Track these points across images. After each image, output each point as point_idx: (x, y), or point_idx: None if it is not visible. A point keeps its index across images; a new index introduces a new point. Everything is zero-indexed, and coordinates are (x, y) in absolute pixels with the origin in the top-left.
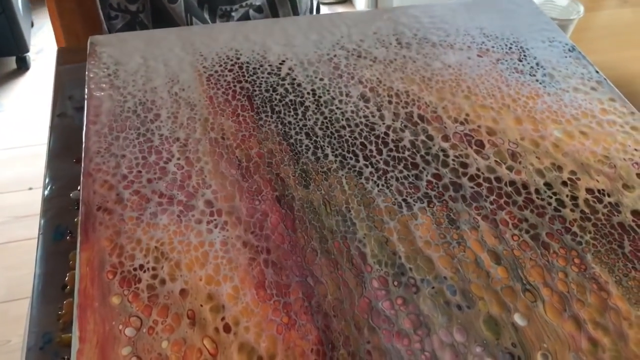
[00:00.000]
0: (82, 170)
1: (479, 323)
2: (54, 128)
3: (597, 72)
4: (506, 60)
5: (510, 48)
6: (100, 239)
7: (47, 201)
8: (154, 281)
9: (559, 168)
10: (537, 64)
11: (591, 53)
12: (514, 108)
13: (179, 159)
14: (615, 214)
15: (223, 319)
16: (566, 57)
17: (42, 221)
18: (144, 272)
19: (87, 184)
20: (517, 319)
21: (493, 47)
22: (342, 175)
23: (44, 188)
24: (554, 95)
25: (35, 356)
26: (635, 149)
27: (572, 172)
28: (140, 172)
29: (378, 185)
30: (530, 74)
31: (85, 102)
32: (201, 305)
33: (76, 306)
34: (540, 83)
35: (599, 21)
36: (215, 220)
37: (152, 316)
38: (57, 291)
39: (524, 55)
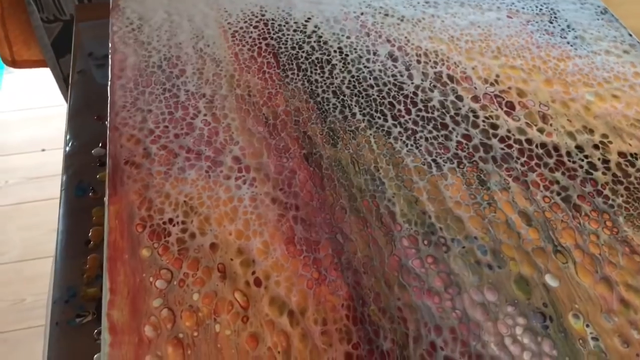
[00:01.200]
0: (108, 124)
1: (510, 283)
2: (74, 85)
3: (630, 35)
4: (536, 22)
5: (541, 9)
6: (129, 193)
7: (68, 158)
8: (183, 235)
9: (590, 131)
10: (568, 26)
11: (627, 17)
12: (544, 70)
13: (205, 115)
14: None
15: (254, 272)
16: (598, 19)
17: (64, 177)
18: (174, 225)
19: (113, 137)
20: (549, 279)
21: (523, 8)
22: (371, 134)
23: (65, 145)
24: (585, 57)
25: (61, 309)
26: None
27: (604, 135)
28: (167, 127)
29: (407, 145)
30: (561, 36)
31: (110, 56)
32: (231, 259)
33: (106, 258)
34: (571, 45)
35: None
36: (243, 176)
37: (183, 269)
38: (81, 247)
39: (555, 17)
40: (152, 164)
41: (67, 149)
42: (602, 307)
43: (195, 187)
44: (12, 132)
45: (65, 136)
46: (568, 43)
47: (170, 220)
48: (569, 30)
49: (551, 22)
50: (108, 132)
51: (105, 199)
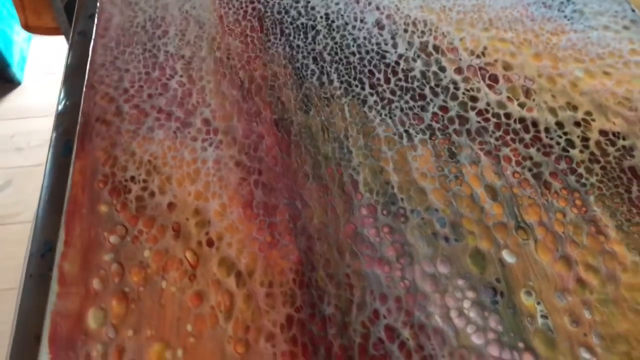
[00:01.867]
0: (85, 81)
1: (465, 257)
2: (73, 45)
3: (633, 10)
4: None
5: None
6: (96, 150)
7: (59, 116)
8: (143, 193)
9: (574, 108)
10: (568, 0)
11: None
12: (535, 43)
13: (181, 76)
14: (628, 157)
15: (207, 233)
16: None
17: (53, 135)
18: (135, 183)
19: (88, 95)
20: (506, 255)
21: None
22: (345, 102)
23: (58, 103)
24: (580, 32)
25: (37, 262)
26: None
27: (588, 113)
28: (142, 86)
29: (381, 115)
30: (558, 9)
31: (96, 15)
32: (187, 219)
33: (65, 212)
34: (567, 19)
35: None
36: (210, 138)
37: (138, 226)
38: (62, 203)
39: None
40: (122, 122)
41: (59, 107)
42: (557, 285)
43: (161, 147)
44: (37, 95)
45: (59, 95)
46: (565, 17)
47: (132, 178)
48: (568, 4)
49: None
50: (84, 89)
51: (72, 154)
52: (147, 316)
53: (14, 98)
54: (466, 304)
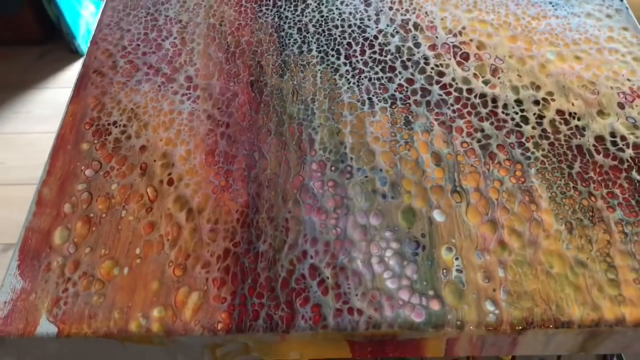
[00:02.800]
0: (90, 37)
1: (397, 212)
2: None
3: (620, 0)
4: None
5: None
6: (88, 97)
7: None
8: (121, 136)
9: (537, 87)
10: None
11: None
12: (514, 26)
13: (175, 38)
14: (578, 137)
15: (170, 174)
16: None
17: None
18: (116, 127)
19: (91, 50)
20: (436, 214)
21: None
22: (319, 70)
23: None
24: (562, 18)
25: None
26: (628, 79)
27: (549, 93)
28: (138, 45)
29: (349, 83)
30: None
31: None
32: (154, 161)
33: (52, 147)
34: (552, 5)
35: None
36: (189, 93)
37: (111, 163)
38: None
39: None
40: (115, 75)
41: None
42: (479, 245)
43: (145, 98)
44: None
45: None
46: (550, 3)
47: (115, 123)
48: None
49: None
50: (88, 44)
51: (67, 99)
52: (104, 238)
53: (77, 68)
54: (388, 253)
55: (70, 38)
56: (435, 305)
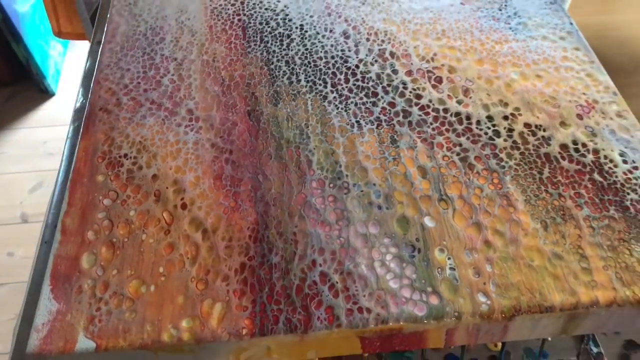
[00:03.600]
0: (93, 79)
1: (392, 221)
2: (91, 52)
3: (571, 23)
4: (486, 9)
5: None
6: (97, 132)
7: (76, 112)
8: (133, 167)
9: (505, 104)
10: (515, 13)
11: (603, 13)
12: (480, 51)
13: (173, 75)
14: (545, 145)
15: (182, 199)
16: (545, 8)
17: (70, 128)
18: (127, 159)
19: (95, 89)
20: (427, 220)
21: None
22: (309, 97)
23: (75, 102)
24: (522, 41)
25: (50, 232)
26: (584, 93)
27: (516, 109)
28: (139, 83)
29: (338, 108)
30: (505, 22)
31: (106, 25)
32: (167, 188)
33: (70, 180)
34: (512, 30)
35: None
36: (192, 125)
37: (127, 192)
38: None
39: (505, 5)
40: (121, 111)
41: (76, 105)
42: (467, 245)
43: (151, 131)
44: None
45: (77, 94)
46: (510, 28)
47: (125, 155)
48: (515, 17)
49: (500, 10)
50: (92, 84)
51: (79, 135)
52: (128, 260)
53: (48, 107)
54: (388, 257)
55: (40, 78)
56: (434, 300)
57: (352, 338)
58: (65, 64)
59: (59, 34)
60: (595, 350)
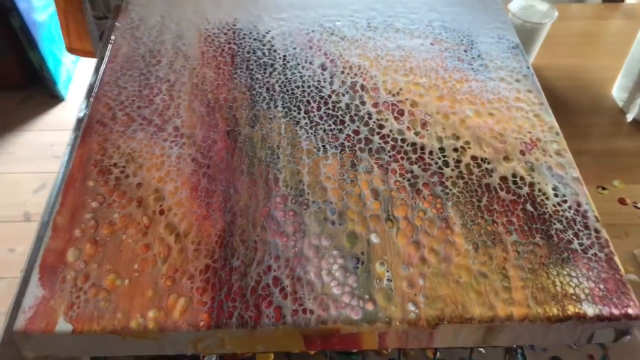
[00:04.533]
0: (93, 94)
1: (343, 236)
2: (96, 68)
3: (528, 67)
4: (453, 50)
5: (462, 40)
6: (92, 143)
7: (78, 122)
8: (121, 175)
9: (457, 138)
10: (479, 56)
11: (574, 56)
12: (441, 88)
13: (164, 95)
14: (487, 177)
15: (161, 205)
16: (507, 52)
17: (72, 136)
18: (116, 168)
19: (94, 104)
20: (373, 237)
21: (447, 38)
22: (283, 122)
23: (78, 112)
24: (481, 82)
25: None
26: (529, 132)
27: (466, 142)
28: (134, 100)
29: (307, 133)
30: (468, 63)
31: (109, 45)
32: (148, 195)
33: (63, 184)
34: (473, 71)
35: (603, 29)
36: (177, 140)
37: (113, 197)
38: None
39: (471, 47)
40: (115, 125)
41: (79, 115)
42: (405, 260)
43: (140, 144)
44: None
45: (80, 105)
46: (472, 69)
47: (115, 164)
48: (478, 59)
49: (466, 51)
50: (92, 100)
51: (76, 145)
52: (108, 257)
53: (57, 112)
54: (335, 267)
55: (51, 84)
56: (369, 306)
57: (296, 335)
58: (77, 71)
59: (70, 49)
60: None
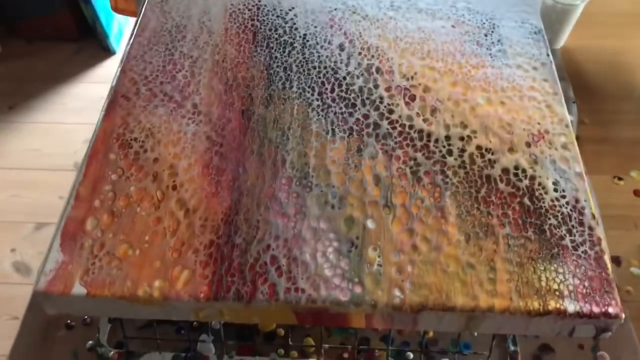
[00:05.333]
0: (120, 67)
1: (341, 219)
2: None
3: (548, 55)
4: (473, 33)
5: (484, 23)
6: (116, 117)
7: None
8: (140, 149)
9: (465, 126)
10: (499, 40)
11: (610, 37)
12: (456, 73)
13: (186, 71)
14: (489, 167)
15: (174, 181)
16: (528, 37)
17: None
18: (136, 142)
19: (121, 78)
20: (369, 222)
21: (469, 20)
22: (296, 103)
23: (113, 79)
24: (497, 68)
25: None
26: (539, 123)
27: (473, 131)
28: (157, 76)
29: (319, 115)
30: (487, 48)
31: (138, 18)
32: (163, 170)
33: (87, 155)
34: (491, 57)
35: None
36: (194, 118)
37: (131, 170)
38: None
39: (492, 31)
40: (138, 100)
41: (113, 83)
42: (397, 247)
43: (160, 120)
44: None
45: (115, 73)
46: (490, 55)
47: (135, 139)
48: (497, 44)
49: (486, 35)
50: (119, 73)
51: (100, 117)
52: (123, 227)
53: (108, 65)
54: (330, 250)
55: (103, 37)
56: (357, 289)
57: (288, 311)
58: (128, 25)
59: (115, 9)
60: (512, 348)
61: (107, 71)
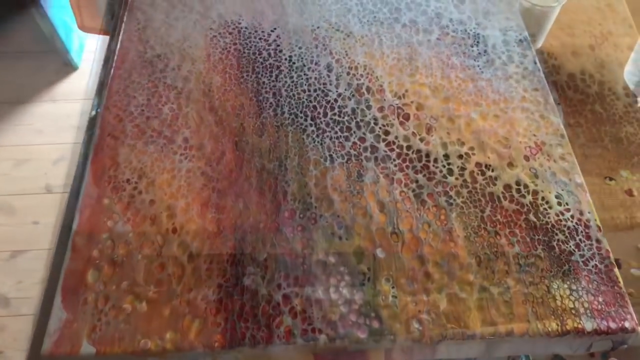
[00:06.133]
0: (103, 104)
1: (350, 251)
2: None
3: (535, 63)
4: (460, 45)
5: (469, 34)
6: (105, 158)
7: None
8: (134, 192)
9: (462, 143)
10: (485, 51)
11: (589, 35)
12: (447, 88)
13: (173, 103)
14: (491, 185)
15: (173, 223)
16: (514, 45)
17: (85, 137)
18: (129, 184)
19: (104, 115)
20: (379, 252)
21: (454, 31)
22: (290, 130)
23: (91, 109)
24: (487, 80)
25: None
26: (534, 134)
27: (471, 148)
28: (143, 110)
29: (314, 141)
30: (474, 59)
31: (117, 50)
32: (161, 212)
33: (80, 201)
34: (480, 69)
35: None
36: (186, 153)
37: (127, 215)
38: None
39: (477, 42)
40: (126, 138)
41: (92, 113)
42: (410, 276)
43: (151, 158)
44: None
45: (93, 102)
46: (478, 66)
47: (128, 180)
48: (484, 55)
49: (472, 46)
50: (102, 110)
51: (89, 160)
52: (126, 277)
53: (72, 81)
54: (342, 284)
55: (63, 52)
56: (375, 324)
57: (307, 353)
58: (89, 39)
59: (82, 27)
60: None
61: (71, 87)
